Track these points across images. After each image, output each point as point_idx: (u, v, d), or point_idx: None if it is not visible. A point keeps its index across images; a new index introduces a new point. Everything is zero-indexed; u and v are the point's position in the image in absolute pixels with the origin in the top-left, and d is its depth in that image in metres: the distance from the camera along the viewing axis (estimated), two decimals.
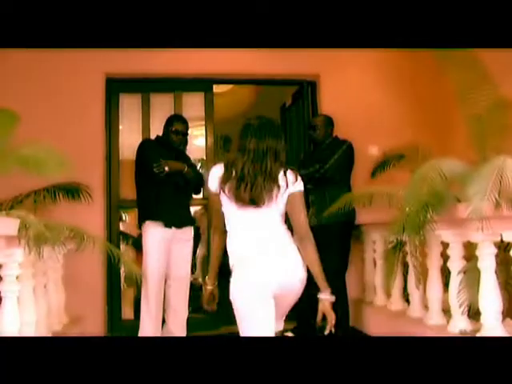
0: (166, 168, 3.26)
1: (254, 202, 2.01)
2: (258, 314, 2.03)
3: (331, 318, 2.02)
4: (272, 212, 2.05)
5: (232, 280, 2.08)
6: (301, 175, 2.77)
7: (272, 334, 2.06)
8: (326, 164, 3.56)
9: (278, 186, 2.03)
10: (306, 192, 3.59)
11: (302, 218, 2.08)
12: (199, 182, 3.56)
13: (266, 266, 2.01)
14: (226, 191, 2.04)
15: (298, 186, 2.09)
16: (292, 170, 2.10)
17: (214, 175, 2.09)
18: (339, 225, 3.53)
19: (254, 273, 2.02)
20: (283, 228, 2.09)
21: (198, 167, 3.67)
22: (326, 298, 2.05)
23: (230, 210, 2.07)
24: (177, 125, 3.42)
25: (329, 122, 3.79)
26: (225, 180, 2.04)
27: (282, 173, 2.05)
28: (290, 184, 2.06)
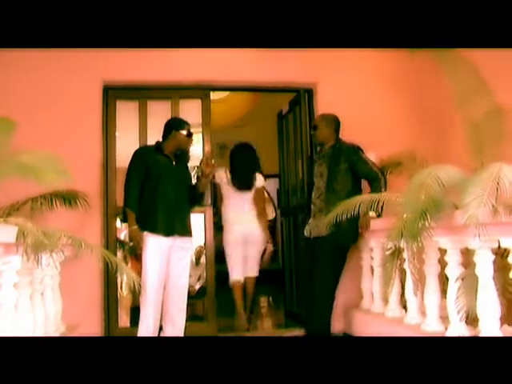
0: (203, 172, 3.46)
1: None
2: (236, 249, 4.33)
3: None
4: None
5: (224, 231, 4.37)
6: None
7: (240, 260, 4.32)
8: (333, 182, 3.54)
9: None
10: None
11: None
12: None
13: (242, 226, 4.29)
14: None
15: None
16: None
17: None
18: (338, 242, 3.51)
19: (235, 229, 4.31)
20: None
21: (193, 174, 3.68)
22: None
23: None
24: (187, 126, 3.45)
25: (328, 121, 3.73)
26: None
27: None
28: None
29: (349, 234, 3.50)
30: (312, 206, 3.66)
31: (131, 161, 3.45)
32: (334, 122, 3.76)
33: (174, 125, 3.48)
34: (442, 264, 2.85)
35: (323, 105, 4.34)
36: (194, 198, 3.58)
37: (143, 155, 3.44)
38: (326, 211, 3.48)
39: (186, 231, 3.49)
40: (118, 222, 5.19)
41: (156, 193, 3.35)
